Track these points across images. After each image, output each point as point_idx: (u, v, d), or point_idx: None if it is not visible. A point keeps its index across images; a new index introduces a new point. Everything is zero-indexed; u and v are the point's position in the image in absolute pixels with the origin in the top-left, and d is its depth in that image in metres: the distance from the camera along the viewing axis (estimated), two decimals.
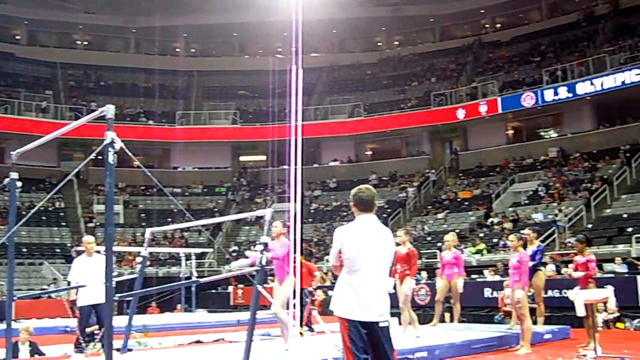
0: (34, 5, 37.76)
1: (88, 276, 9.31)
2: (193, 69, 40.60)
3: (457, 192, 29.97)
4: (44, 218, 29.82)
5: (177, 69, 39.36)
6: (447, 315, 12.92)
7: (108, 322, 5.23)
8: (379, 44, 42.24)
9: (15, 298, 7.76)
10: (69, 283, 10.88)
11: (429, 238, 25.97)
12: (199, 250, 22.75)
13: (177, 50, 42.49)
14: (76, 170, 8.63)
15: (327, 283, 21.04)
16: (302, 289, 12.09)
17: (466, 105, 31.19)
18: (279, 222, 8.16)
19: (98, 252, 9.59)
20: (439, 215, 28.26)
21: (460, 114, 31.20)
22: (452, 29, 40.89)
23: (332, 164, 35.78)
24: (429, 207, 29.75)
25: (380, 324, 4.68)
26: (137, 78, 39.22)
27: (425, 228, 27.16)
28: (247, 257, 7.57)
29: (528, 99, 28.93)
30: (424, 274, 19.49)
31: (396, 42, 42.10)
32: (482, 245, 23.31)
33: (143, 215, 32.50)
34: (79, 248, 24.00)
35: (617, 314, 12.84)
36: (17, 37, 40.33)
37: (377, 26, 40.11)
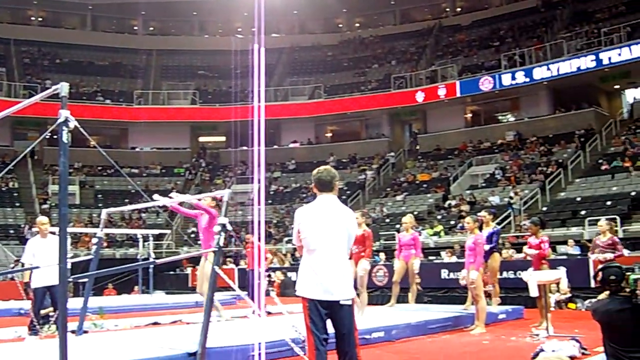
0: None
1: (42, 258, 9.21)
2: (152, 47, 39.95)
3: (416, 175, 30.24)
4: None
5: (136, 48, 38.72)
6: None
7: (62, 304, 5.15)
8: (340, 25, 42.15)
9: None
10: (22, 265, 10.71)
11: (387, 220, 26.17)
12: (156, 232, 22.48)
13: (136, 28, 41.72)
14: (29, 149, 8.50)
15: (286, 265, 21.09)
16: (251, 270, 12.07)
17: (426, 88, 31.39)
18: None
19: (53, 233, 9.47)
20: (398, 198, 28.49)
21: (420, 97, 31.41)
22: (413, 12, 41.00)
23: (292, 145, 35.72)
24: (388, 189, 29.97)
25: (341, 303, 4.71)
26: (93, 56, 38.45)
27: (384, 210, 27.37)
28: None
29: (486, 83, 29.26)
30: (382, 255, 19.66)
31: (357, 24, 42.06)
32: (439, 227, 23.59)
33: (100, 196, 32.02)
34: (34, 229, 23.61)
35: (569, 295, 13.14)
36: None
37: (338, 7, 39.99)
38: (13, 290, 15.28)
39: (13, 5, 39.27)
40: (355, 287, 9.49)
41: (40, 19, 40.73)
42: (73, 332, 8.09)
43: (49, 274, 8.85)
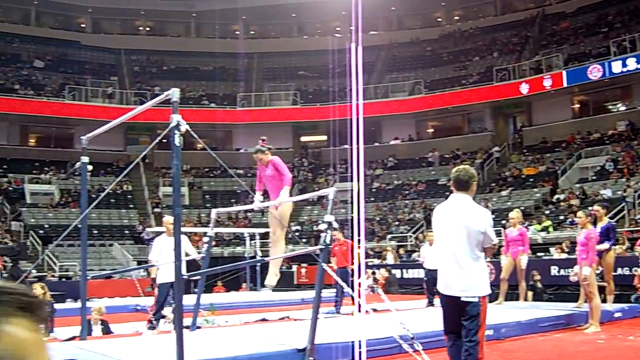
0: None
1: (168, 255, 9.58)
2: (253, 50, 40.86)
3: (522, 169, 29.40)
4: (112, 201, 30.68)
5: (237, 52, 39.70)
6: (529, 294, 12.90)
7: (178, 301, 5.38)
8: (439, 19, 41.57)
9: (88, 278, 8.07)
10: (147, 262, 11.22)
11: (492, 216, 25.52)
12: (262, 230, 22.97)
13: (237, 32, 42.82)
14: (143, 153, 8.88)
15: (391, 262, 21.06)
16: (342, 268, 11.98)
17: (530, 79, 30.45)
18: None
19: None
20: (503, 193, 27.81)
21: (524, 89, 30.50)
22: (515, 2, 39.85)
23: (392, 142, 35.57)
24: (493, 184, 29.30)
25: (462, 299, 4.85)
26: (198, 62, 39.81)
27: (489, 205, 26.75)
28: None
29: (595, 72, 28.02)
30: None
31: (456, 17, 41.35)
32: (547, 223, 22.84)
33: (207, 196, 33.10)
34: (150, 229, 24.74)
35: None
36: (82, 26, 41.40)
37: (436, 1, 39.49)
38: (130, 288, 16.04)
39: (122, 17, 41.30)
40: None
41: (147, 29, 42.56)
42: (187, 327, 8.42)
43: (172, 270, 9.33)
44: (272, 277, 7.88)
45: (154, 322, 9.73)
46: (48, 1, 38.91)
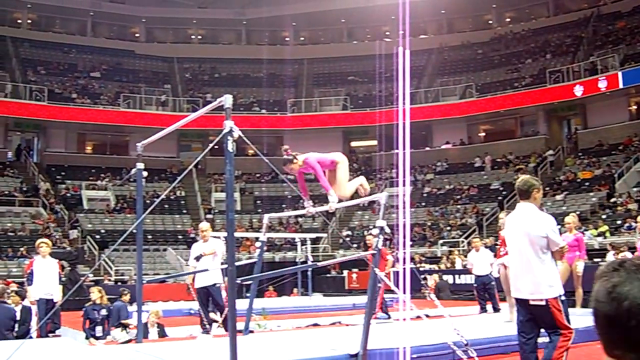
0: (151, 4, 39.53)
1: (204, 260, 9.76)
2: (302, 57, 41.10)
3: (577, 173, 28.77)
4: (166, 206, 31.20)
5: (287, 58, 40.00)
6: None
7: (232, 305, 5.44)
8: (490, 22, 41.07)
9: (143, 282, 8.23)
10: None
11: None
12: (313, 235, 23.14)
13: (287, 39, 43.14)
14: (197, 160, 9.06)
15: (442, 267, 20.87)
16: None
17: (584, 81, 29.79)
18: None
19: (215, 237, 10.03)
20: (558, 197, 27.26)
21: (578, 91, 29.86)
22: (568, 2, 39.09)
23: (444, 146, 35.27)
24: (547, 188, 28.70)
25: (531, 302, 5.08)
26: (249, 69, 40.25)
27: (544, 210, 26.24)
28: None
29: None
30: None
31: (508, 19, 40.81)
32: (604, 228, 22.30)
33: (259, 202, 33.37)
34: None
35: None
36: (137, 35, 42.33)
37: (487, 4, 39.04)
38: (184, 292, 16.27)
39: (175, 26, 42.09)
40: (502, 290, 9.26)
41: (199, 37, 43.26)
42: (240, 331, 8.49)
43: (209, 275, 9.54)
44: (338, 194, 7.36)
45: (207, 325, 9.84)
46: (103, 12, 39.95)
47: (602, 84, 28.95)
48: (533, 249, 5.15)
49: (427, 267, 22.59)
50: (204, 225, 10.33)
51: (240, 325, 8.66)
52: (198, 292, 9.90)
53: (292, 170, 7.35)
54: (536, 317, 5.15)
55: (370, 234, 13.09)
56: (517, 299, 5.29)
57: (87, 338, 9.90)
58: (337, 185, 7.22)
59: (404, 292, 6.32)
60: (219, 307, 9.68)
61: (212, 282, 9.75)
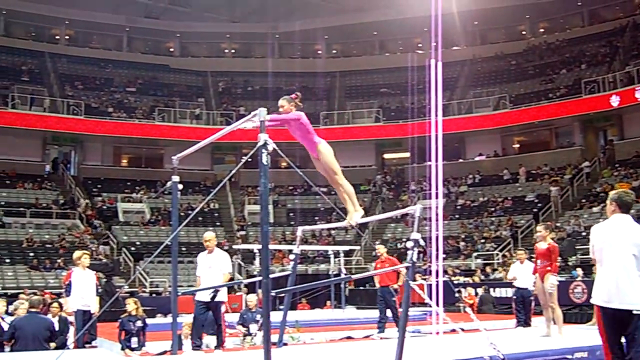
0: (185, 19, 40.09)
1: (207, 273, 9.37)
2: (335, 69, 41.24)
3: (614, 184, 28.19)
4: (200, 219, 31.41)
5: (320, 71, 40.17)
6: None
7: (266, 317, 5.46)
8: (523, 32, 40.73)
9: (178, 294, 8.30)
10: (232, 279, 11.19)
11: (584, 233, 24.70)
12: (346, 248, 23.06)
13: (319, 52, 43.33)
14: (232, 173, 9.22)
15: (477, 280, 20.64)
16: (384, 287, 11.63)
17: (621, 91, 29.33)
18: None
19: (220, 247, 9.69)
20: (594, 209, 26.75)
21: (615, 101, 29.39)
22: (603, 12, 38.58)
23: (477, 158, 35.00)
24: (583, 200, 28.28)
25: (634, 312, 5.05)
26: (281, 82, 40.43)
27: (580, 223, 25.85)
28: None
29: None
30: (580, 270, 18.58)
31: (542, 30, 40.43)
32: None
33: (291, 214, 33.44)
34: (237, 246, 25.16)
35: None
36: (171, 50, 42.91)
37: (520, 14, 38.72)
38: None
39: (208, 40, 42.60)
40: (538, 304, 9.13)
41: (232, 51, 43.69)
42: (274, 344, 8.50)
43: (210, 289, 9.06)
44: (357, 213, 7.73)
45: (197, 340, 9.25)
46: (139, 28, 40.64)
47: (639, 94, 28.47)
48: (637, 260, 5.19)
49: (461, 279, 22.37)
50: (208, 235, 9.66)
51: (274, 338, 8.68)
52: (197, 305, 9.26)
53: (282, 107, 7.75)
54: (626, 328, 5.11)
55: (380, 244, 13.00)
56: (613, 311, 5.15)
57: (122, 349, 9.99)
58: (328, 168, 7.41)
59: (437, 305, 6.26)
60: (219, 327, 9.24)
61: (217, 299, 9.17)
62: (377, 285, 11.95)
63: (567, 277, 18.85)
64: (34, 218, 29.73)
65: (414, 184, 32.11)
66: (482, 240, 27.54)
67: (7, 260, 26.13)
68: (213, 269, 9.23)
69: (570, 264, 21.44)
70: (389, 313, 11.71)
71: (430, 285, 9.63)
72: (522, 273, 11.99)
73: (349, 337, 11.47)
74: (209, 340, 9.60)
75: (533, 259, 10.15)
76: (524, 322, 11.76)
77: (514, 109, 33.03)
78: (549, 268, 9.24)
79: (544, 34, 39.83)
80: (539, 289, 9.36)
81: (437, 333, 10.87)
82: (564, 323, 9.48)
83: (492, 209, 30.41)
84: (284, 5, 38.89)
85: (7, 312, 10.99)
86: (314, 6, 38.70)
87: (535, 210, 28.60)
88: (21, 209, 30.01)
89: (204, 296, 9.11)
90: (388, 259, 11.97)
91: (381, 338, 11.13)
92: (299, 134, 7.37)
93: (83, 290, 10.35)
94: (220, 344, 9.21)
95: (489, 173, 33.52)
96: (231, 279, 9.82)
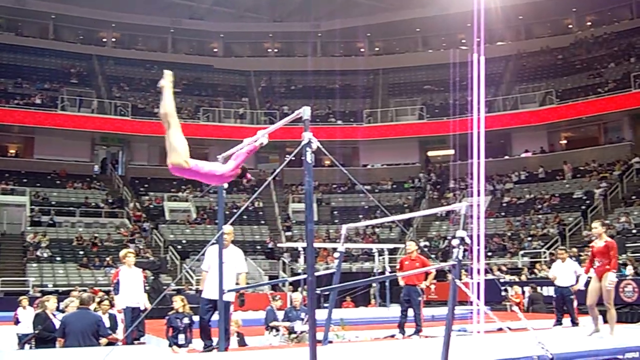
0: (229, 19, 40.49)
1: (215, 268, 8.57)
2: (377, 67, 41.12)
3: None
4: (245, 217, 31.63)
5: (362, 69, 40.12)
6: None
7: (311, 315, 5.48)
8: (570, 26, 39.98)
9: (225, 291, 8.37)
10: (277, 277, 11.27)
11: (634, 230, 24.14)
12: (390, 246, 22.97)
13: (362, 50, 43.25)
14: (277, 171, 9.25)
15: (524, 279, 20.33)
16: (410, 286, 11.22)
17: None
18: None
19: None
20: None
21: None
22: None
23: (523, 155, 34.48)
24: (633, 197, 27.61)
25: None
26: (324, 80, 40.54)
27: (630, 220, 25.26)
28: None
29: None
30: (630, 268, 18.15)
31: (589, 23, 39.59)
32: None
33: (335, 212, 33.48)
34: (281, 244, 25.22)
35: None
36: (215, 50, 43.36)
37: (566, 7, 38.00)
38: (263, 301, 16.47)
39: (251, 40, 42.92)
40: (601, 303, 8.91)
41: (275, 50, 43.91)
42: (319, 342, 8.52)
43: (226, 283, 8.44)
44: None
45: (207, 341, 8.99)
46: (183, 29, 41.19)
47: None
48: None
49: (507, 278, 22.07)
50: (227, 228, 9.01)
51: (319, 336, 8.71)
52: (203, 303, 8.94)
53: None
54: None
55: (412, 240, 12.63)
56: None
57: (170, 346, 10.15)
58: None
59: (480, 304, 6.19)
60: (227, 330, 8.52)
61: (226, 298, 8.53)
62: (402, 284, 11.45)
63: (617, 275, 18.40)
64: (84, 217, 30.44)
65: (459, 181, 31.80)
66: (529, 238, 27.11)
67: (58, 259, 26.77)
68: (227, 264, 8.55)
69: (620, 261, 20.95)
70: (409, 312, 11.19)
71: (475, 284, 9.51)
72: (563, 272, 11.81)
73: (393, 336, 11.43)
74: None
75: (587, 258, 9.90)
76: (572, 322, 11.54)
77: (560, 104, 32.45)
78: (607, 267, 8.93)
79: (591, 27, 39.00)
80: (593, 288, 9.06)
81: (478, 332, 10.75)
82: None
83: (539, 207, 29.91)
84: (325, 4, 38.97)
85: (58, 309, 11.25)
86: (356, 4, 38.69)
87: (583, 207, 28.05)
88: (71, 208, 30.75)
89: (212, 293, 8.62)
90: (418, 257, 11.64)
91: (403, 338, 10.95)
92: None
93: (131, 287, 10.55)
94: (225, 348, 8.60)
95: (536, 170, 32.96)
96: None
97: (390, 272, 18.16)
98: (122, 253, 11.24)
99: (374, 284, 20.29)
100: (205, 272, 9.05)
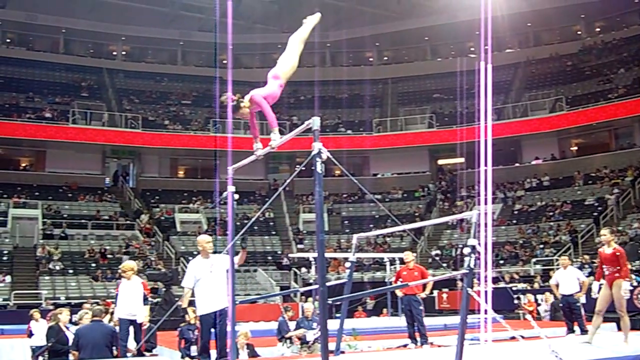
0: (237, 31, 40.58)
1: (207, 281, 8.32)
2: (386, 76, 41.17)
3: None
4: (255, 228, 31.67)
5: (371, 78, 40.15)
6: None
7: (323, 324, 5.48)
8: (579, 32, 39.89)
9: (236, 303, 8.37)
10: (288, 287, 11.27)
11: None
12: (402, 255, 22.87)
13: (370, 59, 43.33)
14: (287, 181, 9.25)
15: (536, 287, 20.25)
16: (410, 296, 11.15)
17: None
18: None
19: (214, 252, 8.72)
20: None
21: None
22: None
23: (534, 162, 34.35)
24: None
25: None
26: (333, 90, 40.59)
27: None
28: None
29: None
30: None
31: (598, 29, 39.50)
32: None
33: (346, 222, 33.45)
34: (292, 255, 25.18)
35: None
36: (224, 62, 43.50)
37: (574, 14, 37.93)
38: (274, 312, 16.49)
39: (260, 51, 42.99)
40: (612, 310, 8.84)
41: None
42: (331, 352, 8.50)
43: (218, 298, 8.19)
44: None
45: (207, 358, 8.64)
46: (193, 41, 41.36)
47: None
48: None
49: (520, 286, 21.96)
50: (204, 238, 8.71)
51: (331, 346, 8.69)
52: (204, 319, 8.29)
53: (243, 115, 7.33)
54: None
55: (409, 251, 12.65)
56: None
57: (182, 357, 10.15)
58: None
59: (488, 312, 6.17)
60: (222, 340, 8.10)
61: (222, 305, 8.15)
62: (400, 294, 11.31)
63: (630, 282, 18.32)
64: (95, 229, 30.54)
65: (469, 189, 31.71)
66: (541, 246, 26.98)
67: (70, 271, 26.89)
68: (215, 273, 8.22)
69: (633, 268, 20.83)
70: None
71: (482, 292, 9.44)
72: (566, 279, 11.70)
73: (405, 345, 11.39)
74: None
75: (596, 265, 9.83)
76: (581, 330, 11.42)
77: (571, 110, 32.35)
78: (617, 275, 8.79)
79: (600, 34, 38.92)
80: (603, 295, 8.97)
81: (486, 341, 10.66)
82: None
83: (551, 214, 29.78)
84: (333, 13, 39.03)
85: (71, 322, 11.27)
86: (364, 14, 38.74)
87: (595, 214, 27.91)
88: (83, 220, 30.87)
89: (210, 307, 8.16)
90: (416, 267, 11.58)
91: (416, 347, 10.91)
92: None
93: (128, 300, 10.18)
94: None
95: (547, 177, 32.82)
96: None
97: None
98: (121, 266, 11.04)
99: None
100: (188, 289, 8.42)
